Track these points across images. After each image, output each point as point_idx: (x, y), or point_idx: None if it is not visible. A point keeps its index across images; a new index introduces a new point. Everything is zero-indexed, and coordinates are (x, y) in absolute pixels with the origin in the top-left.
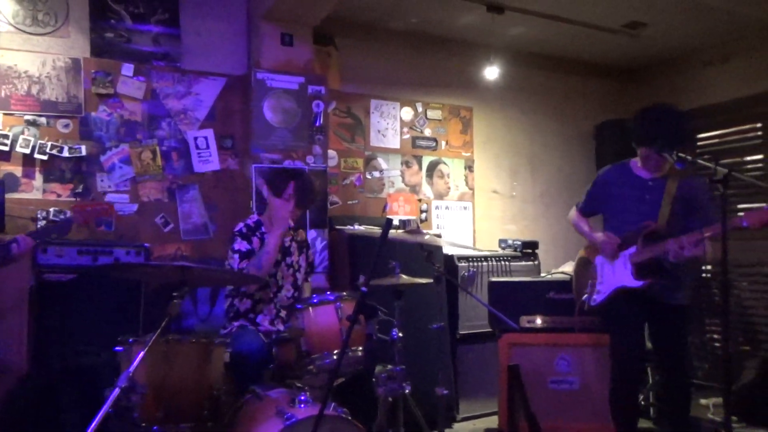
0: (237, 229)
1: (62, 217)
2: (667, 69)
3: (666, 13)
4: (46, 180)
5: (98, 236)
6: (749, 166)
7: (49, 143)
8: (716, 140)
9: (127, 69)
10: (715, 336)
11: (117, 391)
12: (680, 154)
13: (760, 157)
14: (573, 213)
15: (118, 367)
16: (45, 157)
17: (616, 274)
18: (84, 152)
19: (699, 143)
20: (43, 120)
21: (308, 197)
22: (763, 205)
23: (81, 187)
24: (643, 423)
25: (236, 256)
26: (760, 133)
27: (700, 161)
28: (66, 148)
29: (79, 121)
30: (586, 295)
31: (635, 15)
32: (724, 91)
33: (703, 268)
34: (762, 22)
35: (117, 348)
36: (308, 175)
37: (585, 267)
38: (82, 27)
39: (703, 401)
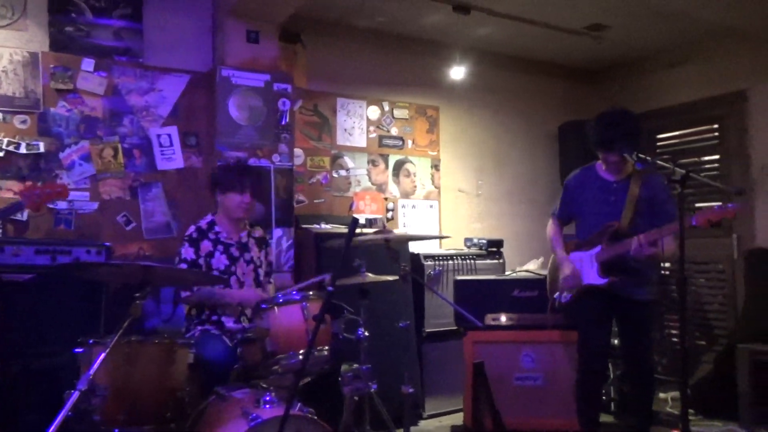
0: (188, 233)
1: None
2: (628, 71)
3: (627, 16)
4: (2, 177)
5: (57, 235)
6: (706, 166)
7: (6, 139)
8: (675, 141)
9: (88, 64)
10: (674, 331)
11: (77, 394)
12: (640, 155)
13: (716, 157)
14: (550, 226)
15: (78, 368)
16: (1, 154)
17: (584, 273)
18: (42, 149)
19: (658, 144)
20: None
21: (259, 188)
22: (715, 204)
23: (39, 184)
24: (603, 417)
25: (183, 265)
26: (716, 134)
27: (659, 161)
28: (23, 145)
29: (37, 116)
30: (557, 293)
31: (598, 17)
32: (683, 93)
33: (663, 265)
34: (718, 26)
35: (77, 349)
36: (255, 168)
37: (558, 266)
38: (40, 20)
39: (662, 395)
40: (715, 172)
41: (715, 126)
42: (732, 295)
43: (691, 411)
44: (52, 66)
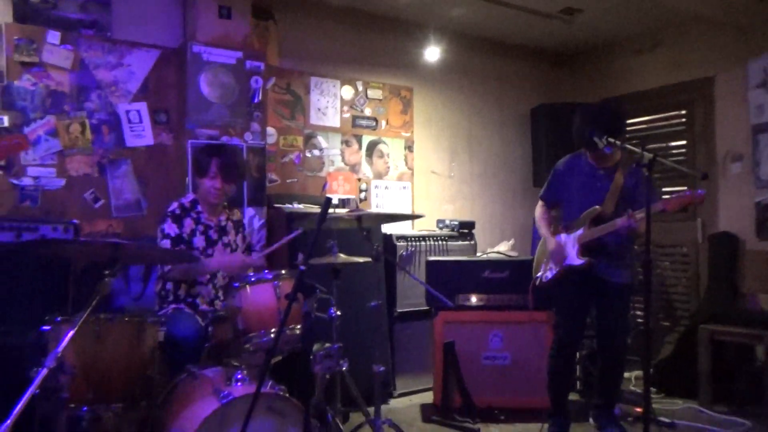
0: (170, 209)
1: None
2: (600, 55)
3: (599, 0)
4: None
5: (22, 211)
6: (674, 151)
7: None
8: (644, 125)
9: (53, 36)
10: (639, 312)
11: (44, 371)
12: (609, 140)
13: (683, 142)
14: (538, 209)
15: (45, 347)
16: None
17: (566, 254)
18: (6, 123)
19: (628, 128)
20: None
21: (234, 172)
22: (683, 189)
23: (3, 160)
24: (570, 396)
25: (166, 241)
26: (684, 119)
27: (627, 146)
28: None
29: (0, 90)
30: (540, 272)
31: (570, 1)
32: (652, 79)
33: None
34: (686, 12)
35: (44, 327)
36: (231, 149)
37: (545, 247)
38: None
39: (626, 374)
40: (682, 158)
41: (684, 112)
42: (695, 278)
43: (653, 389)
44: (15, 38)
